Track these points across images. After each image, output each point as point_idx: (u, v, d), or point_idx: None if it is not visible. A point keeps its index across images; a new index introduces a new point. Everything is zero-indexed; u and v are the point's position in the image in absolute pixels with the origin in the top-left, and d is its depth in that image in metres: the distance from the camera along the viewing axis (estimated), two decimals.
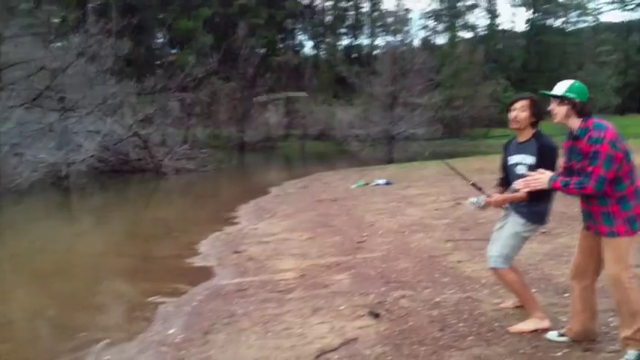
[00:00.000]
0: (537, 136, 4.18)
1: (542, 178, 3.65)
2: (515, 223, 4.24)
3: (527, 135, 4.22)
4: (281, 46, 62.83)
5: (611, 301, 3.65)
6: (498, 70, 59.91)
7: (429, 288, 5.57)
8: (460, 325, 4.43)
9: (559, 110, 3.62)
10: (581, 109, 3.56)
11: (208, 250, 8.71)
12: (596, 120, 3.52)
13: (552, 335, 3.98)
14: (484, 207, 4.39)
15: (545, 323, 4.16)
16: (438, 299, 5.14)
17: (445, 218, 9.51)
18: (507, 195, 4.24)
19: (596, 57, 61.01)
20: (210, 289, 6.43)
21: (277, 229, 9.80)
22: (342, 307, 5.12)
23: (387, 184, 15.79)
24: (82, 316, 5.93)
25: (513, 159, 4.31)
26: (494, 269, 4.33)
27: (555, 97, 3.64)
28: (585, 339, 3.85)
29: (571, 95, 3.58)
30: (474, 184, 4.55)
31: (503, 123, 4.48)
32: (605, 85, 53.68)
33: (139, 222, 13.29)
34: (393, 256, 7.08)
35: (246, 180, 24.37)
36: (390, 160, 30.26)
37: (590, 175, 3.42)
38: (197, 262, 8.06)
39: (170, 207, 16.23)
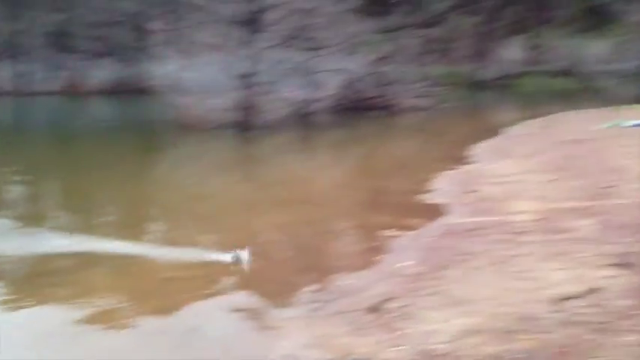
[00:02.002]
0: None
1: None
2: None
3: None
4: None
5: None
6: None
7: None
8: None
9: None
10: None
11: (442, 187, 8.75)
12: None
13: None
14: None
15: None
16: None
17: None
18: None
19: None
20: (445, 226, 6.51)
21: (514, 170, 9.43)
22: (584, 255, 4.83)
23: None
24: (323, 243, 6.43)
25: None
26: None
27: None
28: None
29: None
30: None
31: None
32: None
33: (375, 158, 13.79)
34: None
35: (482, 119, 23.62)
36: None
37: None
38: (431, 198, 8.16)
39: (404, 144, 16.53)
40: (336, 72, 21.17)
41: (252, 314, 4.57)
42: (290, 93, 18.45)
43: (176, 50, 19.48)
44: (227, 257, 5.63)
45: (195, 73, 17.53)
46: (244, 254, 5.59)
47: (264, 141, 16.39)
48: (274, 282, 5.30)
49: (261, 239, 6.91)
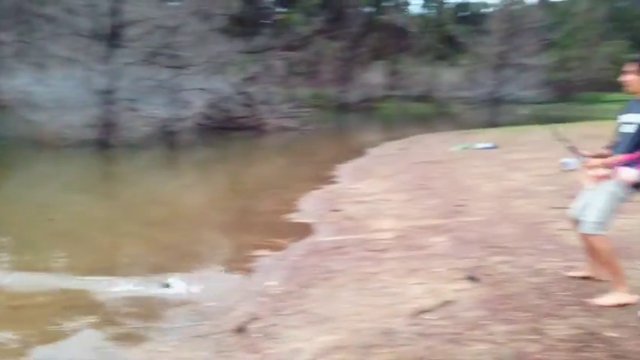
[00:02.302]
0: None
1: (625, 174, 3.37)
2: (608, 186, 3.97)
3: None
4: (387, 4, 61.56)
5: None
6: (619, 30, 55.68)
7: (531, 255, 5.41)
8: (562, 293, 4.28)
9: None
10: None
11: (307, 207, 8.91)
12: None
13: None
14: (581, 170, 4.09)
15: (630, 298, 3.96)
16: (539, 266, 4.98)
17: (551, 185, 9.13)
18: (607, 160, 4.02)
19: None
20: (310, 245, 6.60)
21: (376, 190, 9.83)
22: (439, 270, 5.09)
23: (491, 147, 15.32)
24: (185, 264, 6.26)
25: (623, 118, 4.11)
26: (589, 236, 4.08)
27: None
28: None
29: None
30: (571, 147, 4.27)
31: (620, 87, 4.24)
32: None
33: (242, 178, 13.77)
34: (493, 221, 6.93)
35: (346, 140, 24.48)
36: (493, 124, 29.26)
37: None
38: (296, 218, 8.27)
39: (271, 164, 16.66)
40: (201, 91, 20.94)
41: (110, 344, 4.32)
42: (153, 111, 17.94)
43: (28, 63, 18.28)
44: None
45: (49, 88, 16.52)
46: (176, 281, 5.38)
47: (126, 160, 15.78)
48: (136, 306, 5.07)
49: (122, 261, 6.62)
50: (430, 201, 8.50)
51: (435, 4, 66.01)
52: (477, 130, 23.58)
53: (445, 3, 65.54)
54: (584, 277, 4.53)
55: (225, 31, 25.68)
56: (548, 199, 8.02)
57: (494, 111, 31.17)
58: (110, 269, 6.05)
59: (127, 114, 17.76)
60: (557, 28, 47.20)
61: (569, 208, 4.46)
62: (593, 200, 4.06)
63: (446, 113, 36.38)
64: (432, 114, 41.85)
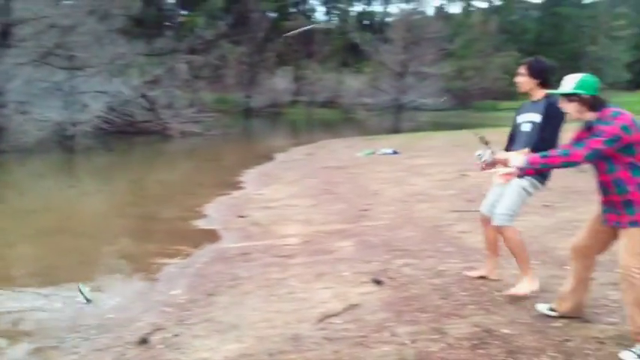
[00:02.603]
0: (547, 97, 4.29)
1: (513, 160, 3.55)
2: (518, 180, 4.22)
3: (538, 97, 4.41)
4: (292, 10, 62.00)
5: (621, 294, 3.53)
6: (511, 42, 59.05)
7: (433, 257, 5.59)
8: (462, 294, 4.45)
9: (569, 107, 3.45)
10: (592, 104, 3.36)
11: (213, 213, 8.76)
12: (613, 109, 3.33)
13: (542, 308, 3.96)
14: (490, 164, 4.21)
15: (536, 285, 4.31)
16: (441, 268, 5.15)
17: (451, 189, 9.51)
18: (510, 154, 4.15)
19: (610, 31, 59.98)
20: (215, 252, 6.49)
21: (282, 195, 9.83)
22: (345, 274, 5.15)
23: (394, 153, 15.76)
24: (84, 273, 5.97)
25: (521, 118, 4.52)
26: (500, 228, 4.36)
27: (563, 95, 3.47)
28: (575, 315, 3.80)
29: (579, 92, 3.36)
30: (481, 138, 4.48)
31: (513, 96, 4.63)
32: (617, 60, 52.91)
33: (144, 184, 13.35)
34: (397, 225, 7.11)
35: (252, 145, 24.34)
36: (397, 130, 30.16)
37: (584, 145, 3.27)
38: (201, 225, 8.11)
39: (175, 170, 16.29)
40: (100, 94, 20.17)
41: None
42: (47, 114, 17.06)
43: None
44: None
45: None
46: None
47: (18, 165, 14.89)
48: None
49: (9, 273, 6.22)
50: (336, 206, 8.61)
51: (338, 12, 67.23)
52: (380, 136, 24.20)
53: (348, 11, 66.88)
54: (480, 277, 4.77)
55: (126, 33, 24.93)
56: (448, 203, 8.33)
57: (397, 117, 32.11)
58: None
59: (19, 117, 16.78)
60: (455, 39, 49.40)
61: (472, 210, 4.64)
62: (503, 195, 4.37)
63: (351, 119, 37.09)
64: (338, 120, 42.54)
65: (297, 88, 52.74)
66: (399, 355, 3.42)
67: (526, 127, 4.41)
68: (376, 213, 7.95)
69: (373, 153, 15.99)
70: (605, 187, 3.43)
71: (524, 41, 63.59)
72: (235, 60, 46.95)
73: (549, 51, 58.81)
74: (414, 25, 33.82)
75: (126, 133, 22.77)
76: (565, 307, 3.83)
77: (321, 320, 4.06)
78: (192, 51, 31.71)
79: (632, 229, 3.33)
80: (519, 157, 3.56)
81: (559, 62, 5.10)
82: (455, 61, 46.39)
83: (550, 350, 3.37)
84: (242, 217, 8.16)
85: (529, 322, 3.82)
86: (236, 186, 11.50)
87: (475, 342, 3.52)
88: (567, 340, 3.49)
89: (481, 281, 4.71)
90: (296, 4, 64.87)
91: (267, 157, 16.72)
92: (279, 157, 17.14)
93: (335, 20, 67.01)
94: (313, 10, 68.22)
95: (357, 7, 70.30)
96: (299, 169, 13.54)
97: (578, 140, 3.47)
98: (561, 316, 3.84)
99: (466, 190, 9.24)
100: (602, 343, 3.44)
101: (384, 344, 3.59)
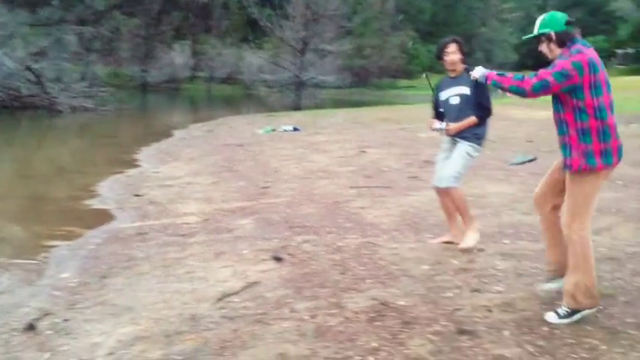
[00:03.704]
0: (468, 70, 4.50)
1: (476, 71, 3.68)
2: (463, 147, 4.80)
3: (459, 71, 4.81)
4: None
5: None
6: (408, 22, 60.54)
7: (332, 233, 5.66)
8: (360, 268, 4.54)
9: (542, 49, 3.42)
10: (558, 39, 3.35)
11: (107, 192, 8.39)
12: (577, 46, 3.29)
13: (547, 287, 3.85)
14: (443, 133, 4.88)
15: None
16: (340, 244, 5.23)
17: (350, 165, 9.66)
18: (463, 122, 4.75)
19: (499, 14, 62.99)
20: (109, 232, 6.22)
21: (181, 173, 9.59)
22: (245, 252, 5.11)
23: (295, 130, 15.78)
24: None
25: (446, 93, 4.88)
26: (448, 189, 4.82)
27: (534, 37, 3.45)
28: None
29: (545, 31, 3.38)
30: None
31: (410, 74, 4.97)
32: (505, 42, 55.67)
33: (31, 161, 12.55)
34: (297, 202, 7.13)
35: (149, 122, 23.56)
36: (298, 107, 30.18)
37: (536, 75, 3.25)
38: (95, 204, 7.75)
39: (65, 146, 15.45)
40: None
41: None
42: None
43: None
44: None
45: None
46: None
47: None
48: None
49: None
50: (236, 183, 8.51)
51: None
52: (282, 113, 24.16)
53: None
54: (446, 242, 5.09)
55: (7, 1, 23.20)
56: (348, 179, 8.46)
57: (297, 94, 32.07)
58: None
59: None
60: (353, 18, 49.90)
61: (372, 185, 4.96)
62: (450, 161, 4.83)
63: (252, 96, 36.70)
64: (238, 96, 42.06)
65: (196, 63, 51.52)
66: (298, 331, 3.43)
67: (455, 101, 4.80)
68: (277, 190, 7.94)
69: (274, 130, 15.94)
70: (557, 126, 3.44)
71: (420, 21, 65.48)
72: (129, 32, 45.04)
73: (443, 31, 60.86)
74: (313, 2, 33.74)
75: (11, 107, 21.31)
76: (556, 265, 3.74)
77: (220, 299, 4.01)
78: (82, 22, 30.04)
79: (568, 174, 3.38)
80: (479, 70, 3.76)
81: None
82: (354, 39, 46.93)
83: (442, 319, 3.51)
84: (138, 195, 7.88)
85: (423, 293, 3.96)
86: (132, 164, 11.09)
87: (372, 315, 3.60)
88: (457, 310, 3.65)
89: (379, 255, 4.83)
90: None
91: (165, 134, 16.24)
92: (178, 134, 16.70)
93: None
94: None
95: None
96: (198, 147, 13.26)
97: None
98: (484, 283, 4.05)
99: (364, 167, 9.43)
100: (489, 310, 3.62)
101: (284, 320, 3.60)
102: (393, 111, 18.28)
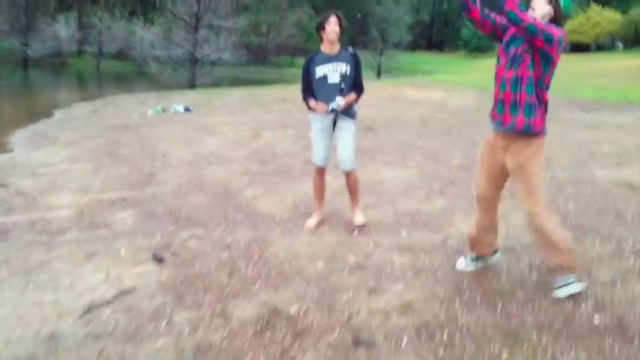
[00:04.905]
0: (345, 47, 4.82)
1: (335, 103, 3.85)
2: (351, 125, 4.89)
3: (337, 48, 4.77)
4: None
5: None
6: None
7: (221, 226, 5.23)
8: (250, 268, 4.16)
9: (545, 8, 3.35)
10: (557, 18, 3.37)
11: None
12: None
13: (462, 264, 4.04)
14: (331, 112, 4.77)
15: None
16: (229, 239, 4.80)
17: (244, 149, 9.20)
18: (348, 99, 4.75)
19: None
20: None
21: (57, 159, 8.74)
22: (122, 251, 4.57)
23: (187, 110, 15.03)
24: None
25: (322, 69, 4.76)
26: (352, 171, 4.94)
27: None
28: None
29: (561, 1, 3.37)
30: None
31: (308, 51, 4.92)
32: (399, 22, 56.49)
33: None
34: (185, 191, 6.61)
35: (28, 100, 21.73)
36: (192, 85, 29.11)
37: (534, 20, 3.21)
38: None
39: None
40: None
41: None
42: None
43: None
44: None
45: None
46: None
47: None
48: None
49: None
50: (119, 170, 7.81)
51: None
52: (175, 92, 23.12)
53: None
54: (319, 224, 5.13)
55: None
56: (241, 165, 8.02)
57: (192, 72, 30.87)
58: None
59: None
60: None
61: (315, 158, 5.02)
62: (342, 141, 4.85)
63: (144, 73, 34.98)
64: (129, 73, 40.04)
65: (83, 36, 48.58)
66: (175, 350, 3.01)
67: (335, 78, 4.71)
68: (163, 177, 7.35)
69: (164, 110, 15.08)
70: (508, 84, 3.40)
71: None
72: (7, 1, 41.63)
73: (340, 9, 61.04)
74: None
75: None
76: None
77: (86, 312, 3.50)
78: None
79: (513, 147, 3.44)
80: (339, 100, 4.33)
81: (349, 21, 5.22)
82: (250, 16, 45.96)
83: (337, 328, 3.20)
84: (3, 186, 7.02)
85: (317, 296, 3.64)
86: (2, 148, 10.03)
87: (260, 326, 3.23)
88: (354, 315, 3.36)
89: (271, 252, 4.46)
90: None
91: (45, 114, 15.01)
92: (59, 114, 15.48)
93: None
94: None
95: None
96: (80, 129, 12.26)
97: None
98: (382, 281, 3.87)
99: (259, 151, 9.01)
100: (387, 315, 3.36)
101: (160, 337, 3.17)
102: (290, 90, 17.83)
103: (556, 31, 3.21)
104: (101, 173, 7.67)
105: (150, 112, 14.88)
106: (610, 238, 4.67)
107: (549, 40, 3.19)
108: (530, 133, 3.32)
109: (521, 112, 3.30)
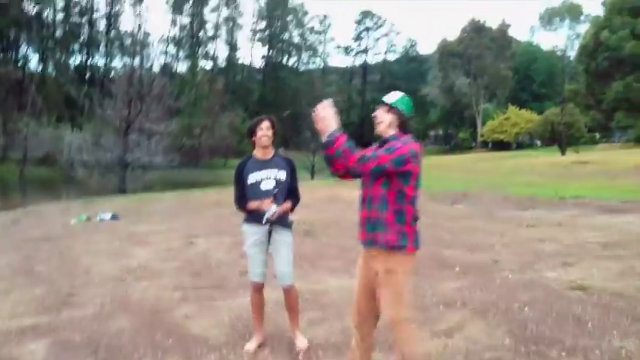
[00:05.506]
0: (277, 152, 4.60)
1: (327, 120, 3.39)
2: (287, 237, 4.55)
3: (270, 153, 4.54)
4: (0, 55, 55.94)
5: None
6: (237, 102, 61.31)
7: (147, 356, 4.58)
8: None
9: (385, 118, 3.36)
10: (403, 123, 3.36)
11: None
12: (410, 136, 3.34)
13: None
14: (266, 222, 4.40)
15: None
16: None
17: (176, 260, 8.58)
18: (283, 207, 4.44)
19: (324, 96, 66.15)
20: None
21: None
22: None
23: (114, 218, 14.27)
24: None
25: (255, 176, 4.46)
26: (291, 287, 4.57)
27: (386, 104, 3.39)
28: None
29: (401, 107, 3.36)
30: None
31: (242, 153, 4.50)
32: None
33: None
34: (107, 313, 5.90)
35: None
36: (122, 190, 28.27)
37: (377, 157, 3.14)
38: None
39: None
40: None
41: None
42: None
43: None
44: None
45: None
46: None
47: None
48: None
49: None
50: (32, 291, 7.00)
51: (54, 62, 62.63)
52: (103, 198, 22.27)
53: (67, 62, 62.76)
54: (260, 346, 4.67)
55: None
56: (172, 278, 7.38)
57: (121, 177, 30.09)
58: None
59: None
60: (181, 97, 49.23)
61: (252, 274, 4.60)
62: (280, 255, 4.51)
63: (71, 179, 33.85)
64: (56, 179, 38.69)
65: (7, 142, 47.13)
66: None
67: (268, 185, 4.43)
68: (84, 297, 6.60)
69: (89, 219, 14.26)
70: (374, 203, 3.34)
71: (249, 102, 66.75)
72: None
73: (272, 111, 62.39)
74: (138, 81, 32.40)
75: None
76: None
77: None
78: None
79: (380, 261, 3.35)
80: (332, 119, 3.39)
81: (281, 122, 5.08)
82: (182, 119, 46.06)
83: None
84: None
85: None
86: None
87: None
88: None
89: None
90: (5, 50, 58.77)
91: None
92: None
93: (51, 71, 62.20)
94: (27, 59, 62.57)
95: (77, 59, 66.64)
96: None
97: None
98: None
99: (192, 262, 8.41)
100: None
101: None
102: (225, 193, 17.40)
103: (405, 148, 3.18)
104: (13, 295, 6.85)
105: (73, 221, 14.03)
106: (575, 349, 4.33)
107: (400, 162, 3.15)
108: (390, 248, 3.26)
109: (379, 229, 3.28)
